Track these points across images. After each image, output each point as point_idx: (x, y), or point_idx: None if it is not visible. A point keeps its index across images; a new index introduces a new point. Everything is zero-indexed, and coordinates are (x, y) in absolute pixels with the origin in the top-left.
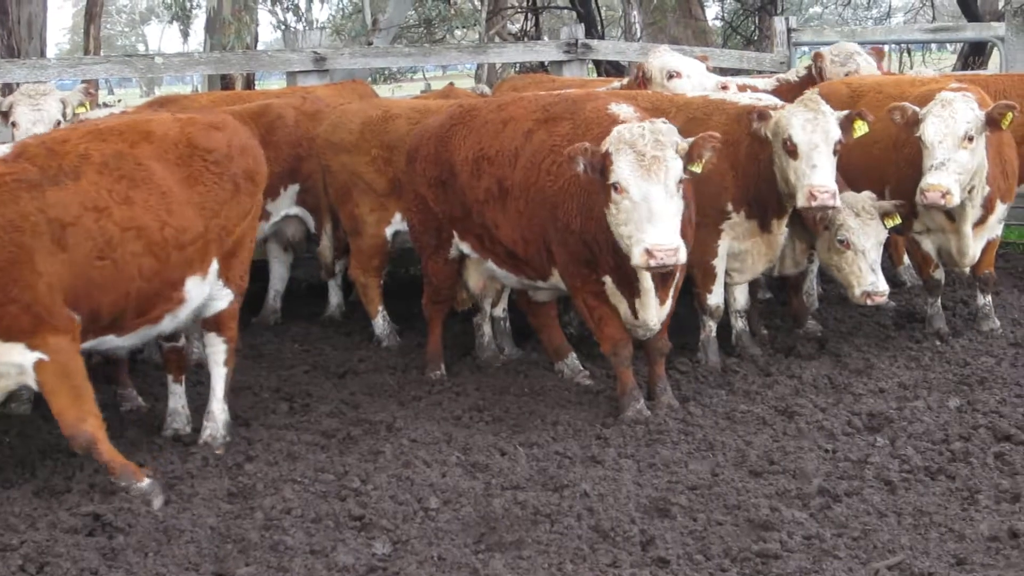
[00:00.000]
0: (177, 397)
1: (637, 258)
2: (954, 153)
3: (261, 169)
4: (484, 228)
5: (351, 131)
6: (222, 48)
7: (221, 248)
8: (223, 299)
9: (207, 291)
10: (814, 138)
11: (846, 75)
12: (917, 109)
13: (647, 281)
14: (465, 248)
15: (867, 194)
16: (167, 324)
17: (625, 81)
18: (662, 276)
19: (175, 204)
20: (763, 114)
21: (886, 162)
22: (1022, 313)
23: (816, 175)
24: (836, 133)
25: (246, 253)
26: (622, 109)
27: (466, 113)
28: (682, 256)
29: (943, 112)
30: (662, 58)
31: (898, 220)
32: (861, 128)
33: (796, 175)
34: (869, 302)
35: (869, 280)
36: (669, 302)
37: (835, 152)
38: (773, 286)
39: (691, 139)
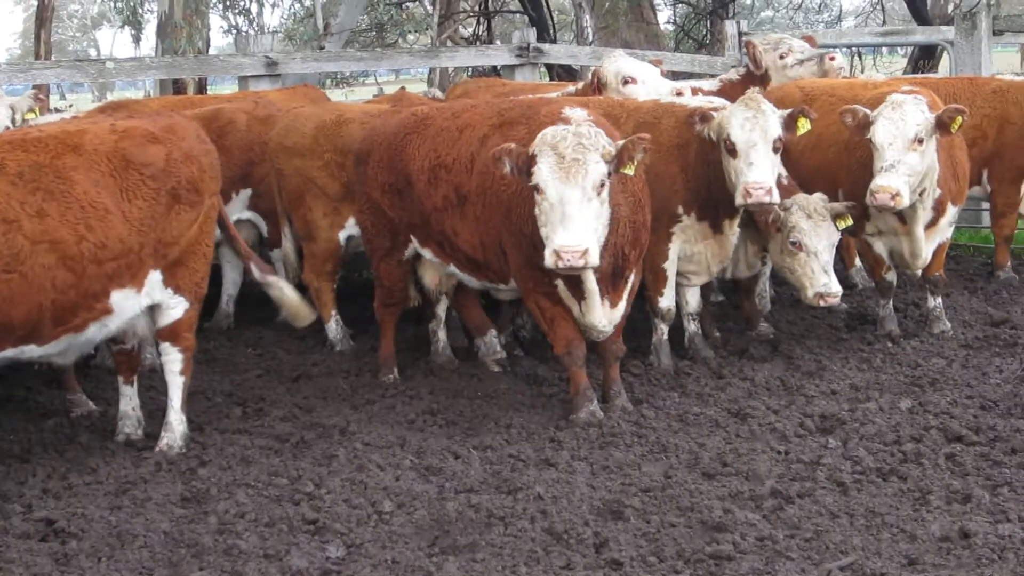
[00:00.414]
0: (128, 400)
1: (547, 259)
2: (904, 155)
3: (208, 175)
4: (444, 235)
5: (304, 135)
6: (173, 53)
7: (162, 260)
8: (176, 308)
9: (143, 302)
10: (752, 136)
11: (780, 57)
12: (868, 112)
13: (591, 283)
14: (427, 254)
15: (819, 196)
16: (94, 333)
17: (580, 86)
18: (612, 279)
19: (97, 218)
20: (705, 116)
21: (838, 165)
22: (973, 315)
23: (752, 172)
24: (775, 131)
25: (199, 261)
26: (576, 113)
27: (420, 122)
28: (592, 259)
29: (893, 114)
30: (617, 63)
31: (850, 222)
32: (805, 125)
33: (735, 173)
34: (822, 303)
35: (822, 281)
36: (622, 305)
37: (775, 150)
38: (725, 289)
39: (621, 142)
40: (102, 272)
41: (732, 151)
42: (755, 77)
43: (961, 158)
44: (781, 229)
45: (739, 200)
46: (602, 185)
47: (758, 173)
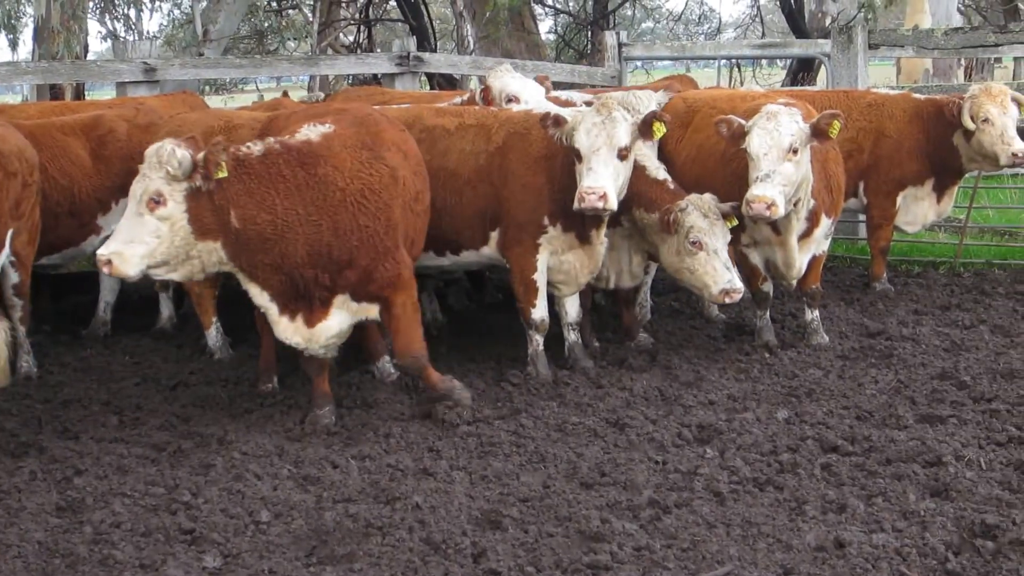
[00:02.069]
0: None
1: None
2: (779, 165)
3: None
4: None
5: None
6: (51, 58)
7: None
8: None
9: None
10: (596, 142)
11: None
12: (743, 122)
13: None
14: None
15: (709, 196)
16: None
17: (466, 97)
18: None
19: None
20: (558, 120)
21: (716, 175)
22: (849, 326)
23: (588, 177)
24: (623, 139)
25: None
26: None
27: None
28: None
29: (768, 125)
30: (502, 80)
31: (736, 222)
32: (660, 130)
33: (578, 178)
34: (727, 300)
35: (726, 278)
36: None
37: (621, 158)
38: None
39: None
40: None
41: (578, 156)
42: None
43: (836, 170)
44: (678, 231)
45: (575, 205)
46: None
47: (594, 178)
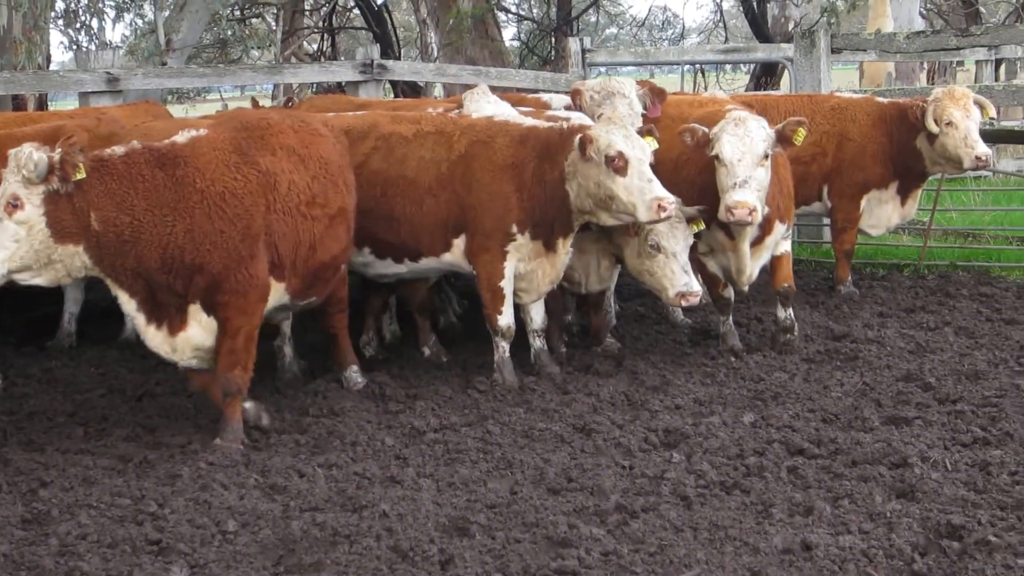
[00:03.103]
0: None
1: None
2: (754, 171)
3: None
4: None
5: None
6: (13, 68)
7: None
8: None
9: None
10: (638, 152)
11: (598, 117)
12: (706, 130)
13: None
14: None
15: (672, 198)
16: None
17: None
18: None
19: None
20: (589, 138)
21: (668, 183)
22: (814, 329)
23: (657, 188)
24: (648, 148)
25: None
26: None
27: None
28: None
29: (738, 131)
30: (477, 104)
31: (703, 226)
32: (651, 144)
33: (629, 191)
34: (684, 303)
35: (683, 281)
36: None
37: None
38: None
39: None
40: None
41: (622, 169)
42: None
43: (787, 176)
44: (638, 233)
45: (648, 215)
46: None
47: (661, 188)
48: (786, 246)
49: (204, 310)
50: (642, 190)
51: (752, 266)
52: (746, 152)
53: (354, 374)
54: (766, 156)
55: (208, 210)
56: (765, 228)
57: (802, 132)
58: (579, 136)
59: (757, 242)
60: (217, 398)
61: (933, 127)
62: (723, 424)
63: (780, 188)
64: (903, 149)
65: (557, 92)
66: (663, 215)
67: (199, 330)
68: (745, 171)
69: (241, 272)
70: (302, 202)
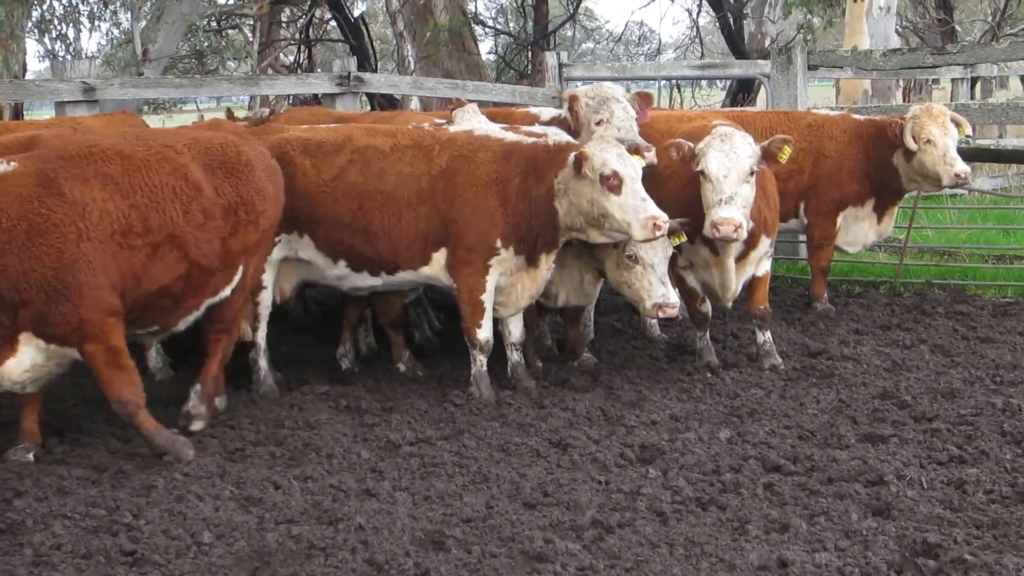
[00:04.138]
0: None
1: None
2: (739, 187)
3: None
4: None
5: None
6: None
7: None
8: None
9: None
10: (630, 171)
11: (597, 123)
12: (692, 145)
13: None
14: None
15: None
16: None
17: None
18: None
19: None
20: (584, 156)
21: (652, 197)
22: (790, 346)
23: (651, 207)
24: (640, 166)
25: None
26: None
27: None
28: None
29: (724, 146)
30: (469, 122)
31: (684, 238)
32: (645, 160)
33: (623, 209)
34: (660, 314)
35: (660, 292)
36: None
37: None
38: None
39: None
40: None
41: (616, 188)
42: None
43: (772, 190)
44: (617, 244)
45: (644, 234)
46: None
47: (655, 207)
48: (767, 266)
49: (43, 339)
50: (636, 208)
51: (737, 282)
52: (732, 168)
53: (197, 402)
54: (751, 173)
55: (17, 249)
56: (750, 243)
57: (787, 150)
58: (574, 154)
59: (742, 257)
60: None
61: (912, 144)
62: (699, 440)
63: (767, 202)
64: (880, 166)
65: (537, 106)
66: (658, 233)
67: (32, 355)
68: (731, 187)
69: (64, 305)
70: (117, 231)
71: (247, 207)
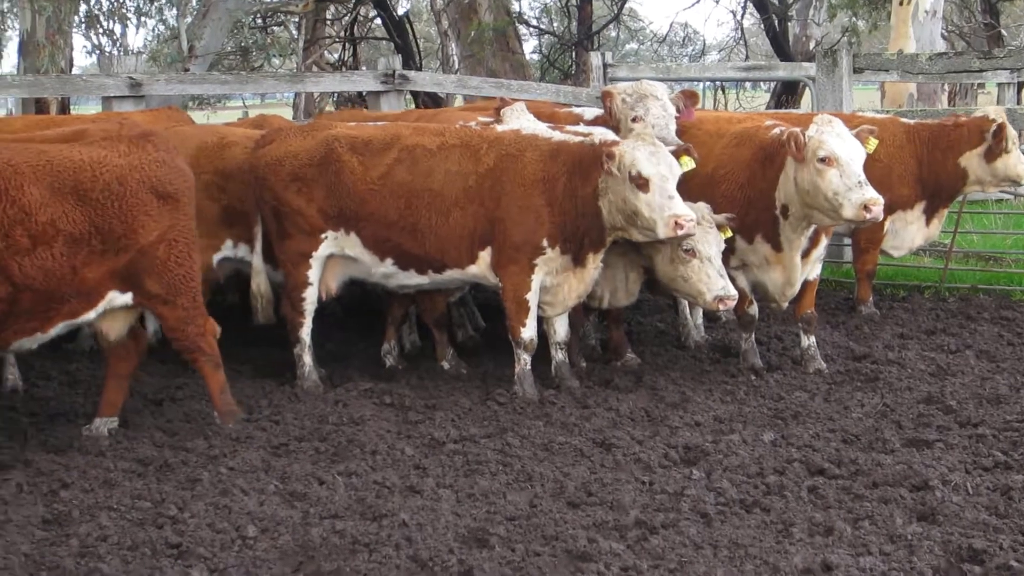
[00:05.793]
0: None
1: None
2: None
3: None
4: None
5: (185, 155)
6: (36, 71)
7: None
8: None
9: None
10: (661, 170)
11: (633, 120)
12: (801, 132)
13: None
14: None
15: (703, 204)
16: None
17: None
18: None
19: None
20: (611, 154)
21: (702, 199)
22: (835, 349)
23: (676, 205)
24: (677, 165)
25: None
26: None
27: None
28: None
29: (834, 130)
30: (519, 122)
31: (730, 233)
32: (688, 163)
33: (651, 208)
34: (722, 307)
35: (720, 285)
36: None
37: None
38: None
39: None
40: None
41: (644, 185)
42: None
43: None
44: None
45: (666, 232)
46: None
47: (683, 205)
48: (818, 270)
49: None
50: (662, 207)
51: (799, 279)
52: (854, 150)
53: (101, 426)
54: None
55: None
56: (814, 241)
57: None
58: (604, 152)
59: (804, 255)
60: None
61: (1011, 146)
62: (743, 442)
63: None
64: (936, 169)
65: (579, 106)
66: (680, 232)
67: None
68: (860, 168)
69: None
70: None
71: (103, 235)
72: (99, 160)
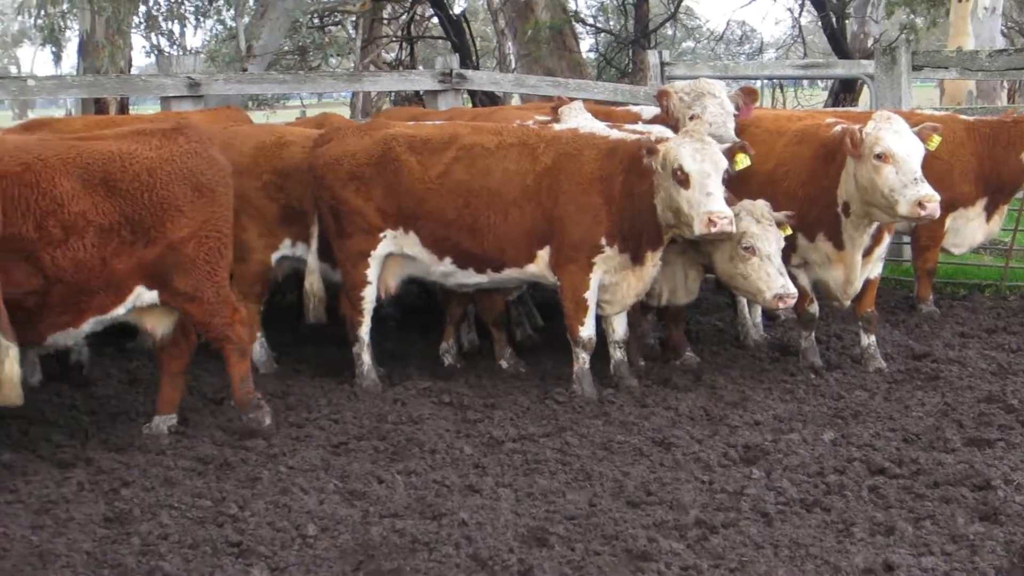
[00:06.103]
0: None
1: None
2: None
3: None
4: None
5: (244, 154)
6: (95, 72)
7: None
8: None
9: None
10: (704, 167)
11: (690, 118)
12: (858, 128)
13: None
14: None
15: (762, 202)
16: None
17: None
18: None
19: None
20: (652, 149)
21: (763, 196)
22: (895, 348)
23: (713, 202)
24: (724, 162)
25: None
26: None
27: None
28: None
29: (892, 126)
30: (577, 120)
31: (789, 231)
32: (743, 161)
33: (690, 204)
34: (781, 305)
35: (779, 283)
36: None
37: (723, 181)
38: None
39: None
40: None
41: (684, 182)
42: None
43: None
44: (731, 236)
45: (700, 230)
46: None
47: (719, 203)
48: (879, 269)
49: None
50: (699, 204)
51: (860, 278)
52: (913, 146)
53: (160, 424)
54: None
55: None
56: (877, 238)
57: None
58: (644, 147)
59: (867, 254)
60: None
61: None
62: (803, 441)
63: None
64: (998, 166)
65: (637, 104)
66: (712, 229)
67: None
68: (917, 165)
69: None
70: None
71: (133, 225)
72: (129, 152)
